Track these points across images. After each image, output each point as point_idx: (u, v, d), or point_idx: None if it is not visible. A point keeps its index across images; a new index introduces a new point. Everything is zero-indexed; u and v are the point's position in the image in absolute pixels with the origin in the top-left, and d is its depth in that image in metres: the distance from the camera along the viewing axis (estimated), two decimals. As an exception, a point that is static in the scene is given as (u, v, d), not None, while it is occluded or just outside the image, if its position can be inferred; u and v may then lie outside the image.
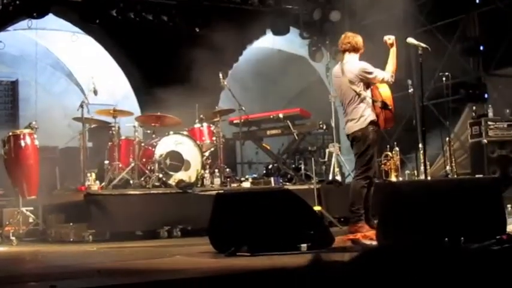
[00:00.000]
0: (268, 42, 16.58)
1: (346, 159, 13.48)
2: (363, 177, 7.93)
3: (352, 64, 8.03)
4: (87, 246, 8.46)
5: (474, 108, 12.91)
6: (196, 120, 11.50)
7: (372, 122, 7.81)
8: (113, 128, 10.87)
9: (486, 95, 13.79)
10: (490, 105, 12.69)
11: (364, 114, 7.83)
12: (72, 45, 15.32)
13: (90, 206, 9.31)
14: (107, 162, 10.73)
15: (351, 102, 7.93)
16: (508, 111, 12.49)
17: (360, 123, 7.86)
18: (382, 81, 7.84)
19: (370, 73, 7.87)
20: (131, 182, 10.36)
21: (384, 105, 7.72)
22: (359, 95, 7.86)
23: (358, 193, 7.90)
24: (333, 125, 13.65)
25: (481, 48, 13.84)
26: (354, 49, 8.09)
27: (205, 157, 11.03)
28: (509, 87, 13.50)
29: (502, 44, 13.25)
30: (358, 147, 8.01)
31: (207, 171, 10.93)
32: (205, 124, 11.49)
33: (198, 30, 14.22)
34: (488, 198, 6.05)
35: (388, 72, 7.86)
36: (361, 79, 7.89)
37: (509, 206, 7.18)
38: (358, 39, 8.11)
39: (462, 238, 5.56)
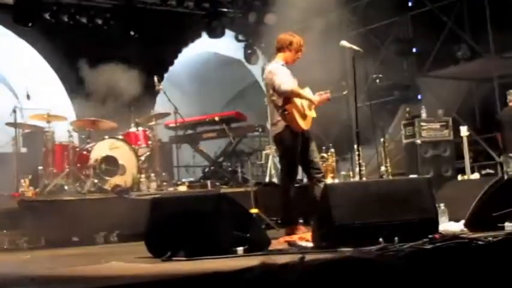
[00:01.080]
0: (204, 45, 16.54)
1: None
2: (286, 180, 7.96)
3: (269, 65, 8.04)
4: (22, 253, 8.31)
5: (408, 109, 13.11)
6: (132, 124, 11.43)
7: (287, 126, 7.72)
8: (47, 133, 10.75)
9: (419, 96, 14.06)
10: (423, 106, 12.87)
11: (279, 118, 7.76)
12: (5, 48, 15.06)
13: (24, 212, 9.17)
14: (41, 167, 10.60)
15: (269, 105, 7.97)
16: (440, 111, 12.70)
17: (277, 128, 7.83)
18: (278, 88, 7.64)
19: (274, 74, 7.76)
20: (66, 187, 10.25)
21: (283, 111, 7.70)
22: (271, 99, 7.83)
23: (284, 195, 7.92)
24: (269, 127, 13.69)
25: (414, 50, 14.09)
26: (278, 49, 8.01)
27: (141, 161, 10.96)
28: (442, 88, 13.77)
29: (434, 45, 13.49)
30: (279, 150, 8.20)
31: (143, 175, 10.86)
32: (140, 128, 11.41)
33: (132, 33, 14.13)
34: (422, 198, 6.15)
35: (288, 86, 7.65)
36: (269, 82, 7.81)
37: (441, 205, 7.28)
38: (283, 37, 7.99)
39: (396, 238, 5.65)
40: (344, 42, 8.08)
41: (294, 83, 7.84)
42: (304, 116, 7.80)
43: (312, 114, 7.94)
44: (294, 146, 7.78)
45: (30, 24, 13.14)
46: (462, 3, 13.00)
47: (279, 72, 7.76)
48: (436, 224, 6.14)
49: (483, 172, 12.66)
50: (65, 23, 13.65)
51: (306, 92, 7.88)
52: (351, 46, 7.98)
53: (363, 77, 12.04)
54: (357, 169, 10.23)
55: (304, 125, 7.79)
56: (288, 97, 7.69)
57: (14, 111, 10.44)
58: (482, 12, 12.57)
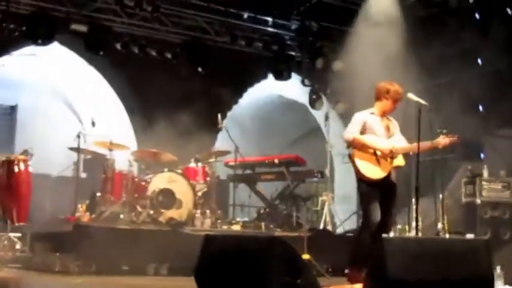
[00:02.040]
0: (269, 87, 16.63)
1: (338, 209, 13.46)
2: (361, 227, 8.07)
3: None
4: (72, 277, 8.40)
5: (469, 167, 12.91)
6: (192, 160, 11.51)
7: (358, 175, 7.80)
8: (108, 161, 10.89)
9: (482, 155, 13.84)
10: (485, 165, 12.69)
11: None
12: (74, 74, 15.35)
13: (78, 236, 9.26)
14: (99, 194, 10.73)
15: None
16: (503, 172, 12.50)
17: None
18: (342, 136, 7.85)
19: (350, 122, 7.88)
20: (121, 216, 10.34)
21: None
22: None
23: (357, 243, 7.97)
24: (327, 173, 13.64)
25: (481, 108, 13.92)
26: (376, 97, 8.04)
27: (197, 197, 11.01)
28: (505, 148, 13.53)
29: (502, 105, 13.30)
30: None
31: (198, 211, 10.90)
32: (200, 164, 11.49)
33: (200, 69, 14.28)
34: (478, 260, 6.04)
35: (349, 135, 7.74)
36: None
37: (498, 268, 7.15)
38: (380, 86, 8.01)
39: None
40: (411, 95, 8.01)
41: (384, 132, 7.91)
42: (377, 164, 7.77)
43: (394, 163, 7.85)
44: (365, 194, 7.81)
45: (101, 53, 13.37)
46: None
47: (352, 120, 7.86)
48: (492, 286, 6.02)
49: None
50: (135, 54, 13.85)
51: (377, 141, 7.81)
52: (418, 100, 7.91)
53: (427, 130, 11.93)
54: (414, 223, 10.11)
55: (372, 174, 7.74)
56: (354, 146, 7.75)
57: (78, 136, 10.61)
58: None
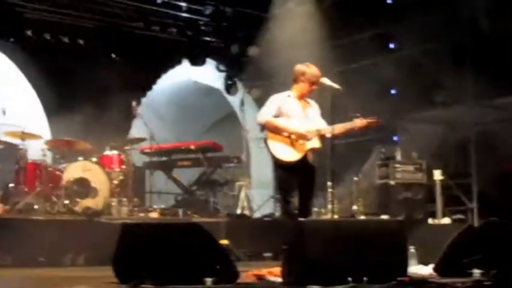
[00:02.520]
0: (184, 72, 16.54)
1: (255, 194, 13.54)
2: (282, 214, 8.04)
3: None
4: (-13, 270, 8.24)
5: (383, 150, 13.15)
6: (107, 148, 11.40)
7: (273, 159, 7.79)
8: (21, 151, 10.68)
9: (395, 138, 14.12)
10: (398, 148, 12.94)
11: None
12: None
13: (-8, 229, 9.08)
14: (12, 185, 10.52)
15: None
16: (415, 154, 12.75)
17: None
18: (255, 119, 7.86)
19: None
20: (36, 206, 10.17)
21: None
22: None
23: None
24: (244, 159, 13.72)
25: (393, 91, 14.16)
26: (293, 80, 8.00)
27: (113, 185, 10.93)
28: (418, 132, 13.81)
29: (413, 89, 13.52)
30: None
31: (114, 199, 10.82)
32: (115, 152, 11.39)
33: (114, 56, 14.12)
34: (392, 240, 6.19)
35: (261, 118, 7.74)
36: None
37: (411, 248, 7.32)
38: (297, 68, 7.95)
39: (365, 278, 5.67)
40: (324, 80, 7.99)
41: (301, 115, 7.85)
42: (291, 147, 7.70)
43: (308, 145, 7.74)
44: (282, 178, 7.83)
45: (11, 40, 13.08)
46: (445, 47, 13.07)
47: (267, 103, 7.83)
48: (405, 266, 6.18)
49: (454, 217, 12.71)
50: (48, 40, 13.59)
51: (290, 123, 7.74)
52: (331, 84, 7.93)
53: (341, 115, 12.09)
54: (329, 206, 10.27)
55: (287, 157, 7.67)
56: (267, 128, 7.72)
57: (-12, 126, 10.40)
58: (463, 59, 12.67)
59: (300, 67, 7.97)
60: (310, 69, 7.93)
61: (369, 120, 7.91)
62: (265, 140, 7.76)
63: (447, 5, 12.45)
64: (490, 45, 12.02)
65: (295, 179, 7.71)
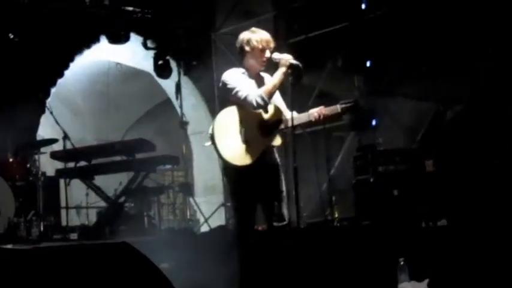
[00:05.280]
0: (103, 52, 16.44)
1: (201, 202, 13.53)
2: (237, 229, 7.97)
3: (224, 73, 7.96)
4: None
5: (359, 137, 13.17)
6: (8, 153, 11.30)
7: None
8: None
9: (374, 122, 14.10)
10: (378, 134, 12.93)
11: None
12: None
13: None
14: None
15: None
16: (400, 140, 12.77)
17: None
18: (244, 101, 7.64)
19: (229, 90, 7.73)
20: None
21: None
22: None
23: (240, 253, 7.82)
24: (183, 158, 13.71)
25: (368, 63, 14.17)
26: (239, 53, 7.97)
27: (19, 201, 10.83)
28: (401, 111, 13.79)
29: (394, 58, 13.57)
30: None
31: (21, 219, 10.71)
32: (18, 158, 11.30)
33: (12, 36, 13.97)
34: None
35: (255, 92, 7.67)
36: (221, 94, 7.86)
37: (401, 260, 7.36)
38: (239, 37, 7.91)
39: None
40: (276, 55, 7.90)
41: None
42: (247, 144, 7.65)
43: (268, 142, 7.78)
44: (234, 182, 7.82)
45: None
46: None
47: (238, 81, 7.76)
48: None
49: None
50: None
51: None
52: (280, 57, 7.82)
53: (304, 97, 12.11)
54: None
55: (239, 159, 7.62)
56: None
57: None
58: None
59: (243, 35, 7.92)
60: (256, 34, 7.87)
61: (347, 105, 7.87)
62: (211, 137, 7.64)
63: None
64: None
65: (253, 183, 7.65)
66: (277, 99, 7.98)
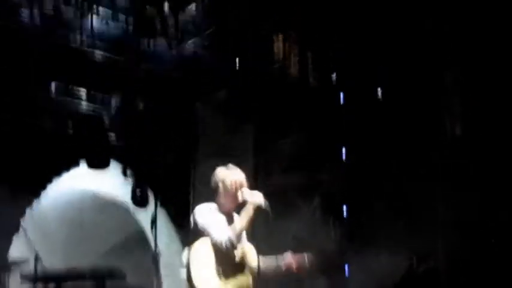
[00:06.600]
0: (80, 178, 16.58)
1: None
2: None
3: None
4: None
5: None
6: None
7: None
8: None
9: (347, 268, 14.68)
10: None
11: None
12: None
13: None
14: None
15: None
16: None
17: None
18: (215, 244, 8.10)
19: (200, 230, 8.26)
20: None
21: None
22: None
23: None
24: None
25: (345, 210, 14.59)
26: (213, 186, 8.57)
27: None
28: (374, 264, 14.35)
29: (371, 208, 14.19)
30: None
31: None
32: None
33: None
34: None
35: (225, 235, 8.07)
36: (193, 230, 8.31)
37: None
38: (214, 173, 8.57)
39: None
40: (246, 193, 8.41)
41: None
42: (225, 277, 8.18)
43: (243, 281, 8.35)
44: None
45: None
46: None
47: (213, 220, 8.29)
48: None
49: None
50: None
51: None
52: (257, 202, 8.32)
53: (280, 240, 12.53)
54: None
55: None
56: None
57: None
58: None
59: (219, 172, 8.56)
60: (232, 175, 8.50)
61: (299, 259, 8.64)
62: (187, 265, 8.12)
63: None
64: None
65: None
66: (243, 239, 8.50)
